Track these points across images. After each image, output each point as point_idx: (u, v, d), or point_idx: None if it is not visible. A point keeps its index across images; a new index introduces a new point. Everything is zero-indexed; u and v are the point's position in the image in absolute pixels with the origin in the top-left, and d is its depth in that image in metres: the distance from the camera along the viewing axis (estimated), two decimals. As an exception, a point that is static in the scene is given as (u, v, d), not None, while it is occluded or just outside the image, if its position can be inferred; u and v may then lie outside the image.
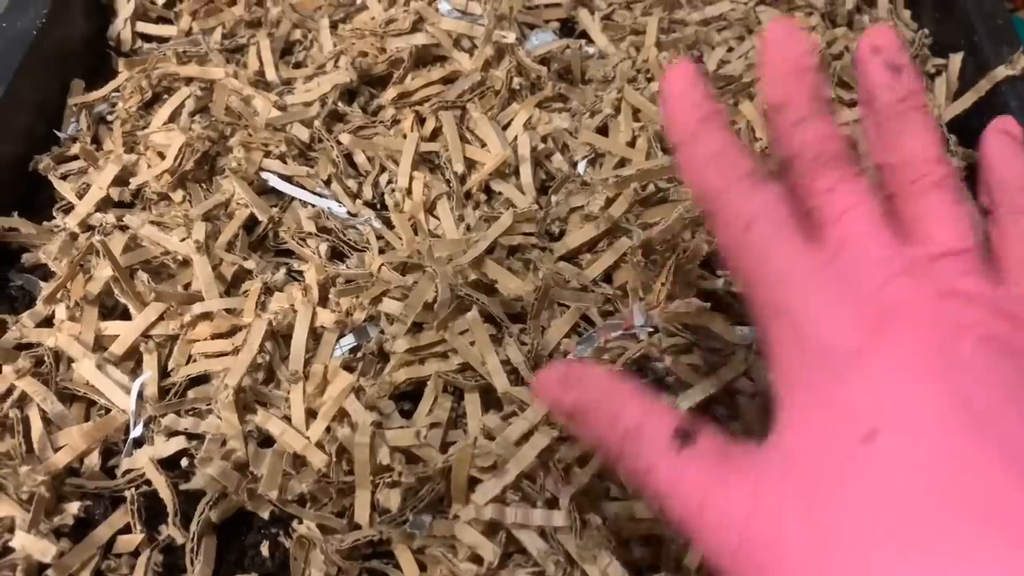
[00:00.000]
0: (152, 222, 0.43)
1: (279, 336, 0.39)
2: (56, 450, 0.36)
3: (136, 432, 0.36)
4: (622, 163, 0.45)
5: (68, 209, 0.44)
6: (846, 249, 0.25)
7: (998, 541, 0.19)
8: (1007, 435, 0.21)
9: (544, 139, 0.46)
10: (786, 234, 0.25)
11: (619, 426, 0.25)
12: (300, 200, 0.44)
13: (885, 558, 0.19)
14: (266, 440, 0.36)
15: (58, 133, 0.48)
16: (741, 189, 0.26)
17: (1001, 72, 0.46)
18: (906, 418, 0.21)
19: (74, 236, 0.42)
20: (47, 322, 0.40)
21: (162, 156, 0.45)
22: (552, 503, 0.33)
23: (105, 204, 0.44)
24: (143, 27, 0.53)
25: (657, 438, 0.25)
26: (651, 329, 0.38)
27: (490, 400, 0.37)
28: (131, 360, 0.39)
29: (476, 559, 0.33)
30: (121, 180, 0.45)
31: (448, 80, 0.49)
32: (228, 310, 0.39)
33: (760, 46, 0.29)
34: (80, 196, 0.44)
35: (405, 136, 0.46)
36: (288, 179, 0.45)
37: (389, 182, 0.45)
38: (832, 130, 0.27)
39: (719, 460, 0.24)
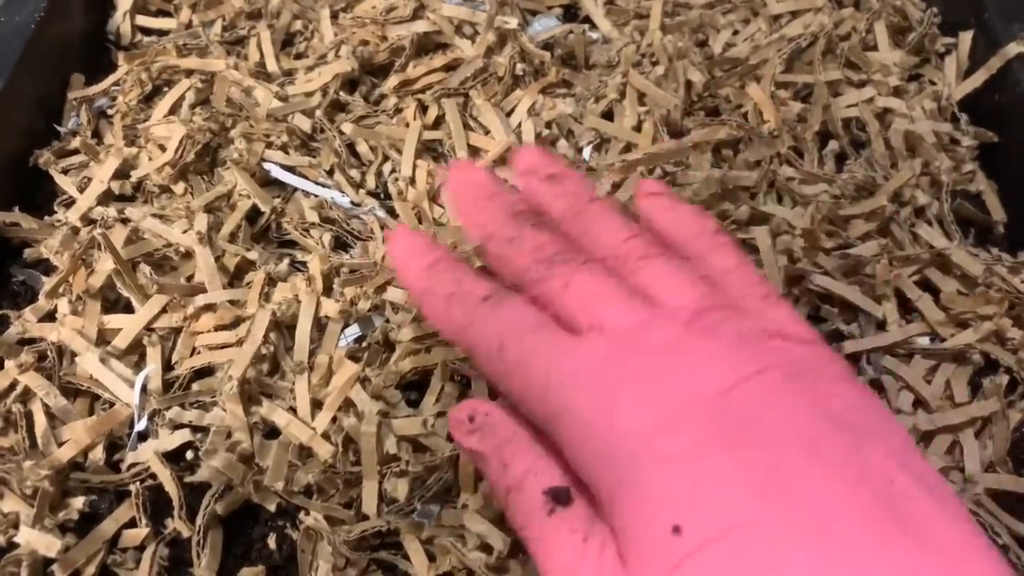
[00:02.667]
0: (154, 215, 0.42)
1: (283, 327, 0.38)
2: (60, 445, 0.36)
3: (140, 426, 0.36)
4: (628, 148, 0.44)
5: (69, 203, 0.44)
6: (604, 330, 0.25)
7: None
8: (801, 500, 0.21)
9: (548, 125, 0.46)
10: (539, 340, 0.25)
11: (506, 478, 0.25)
12: (303, 191, 0.44)
13: None
14: (272, 432, 0.36)
15: (58, 127, 0.48)
16: (482, 314, 0.26)
17: (1012, 49, 0.45)
18: (707, 503, 0.21)
19: (75, 230, 0.42)
20: (50, 317, 0.40)
21: (163, 148, 0.45)
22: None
23: (106, 197, 0.44)
24: (142, 20, 0.53)
25: (532, 497, 0.24)
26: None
27: (493, 389, 0.37)
28: (134, 353, 0.39)
29: (485, 548, 0.32)
30: (122, 173, 0.44)
31: (450, 67, 0.48)
32: (231, 301, 0.39)
33: (448, 194, 0.30)
34: (81, 190, 0.44)
35: (408, 125, 0.45)
36: (290, 170, 0.44)
37: (392, 171, 0.45)
38: (544, 236, 0.27)
39: (581, 533, 0.23)
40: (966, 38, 0.48)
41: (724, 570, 0.20)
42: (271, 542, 0.34)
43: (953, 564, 0.20)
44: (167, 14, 0.54)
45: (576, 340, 0.25)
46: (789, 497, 0.21)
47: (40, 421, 0.36)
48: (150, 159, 0.45)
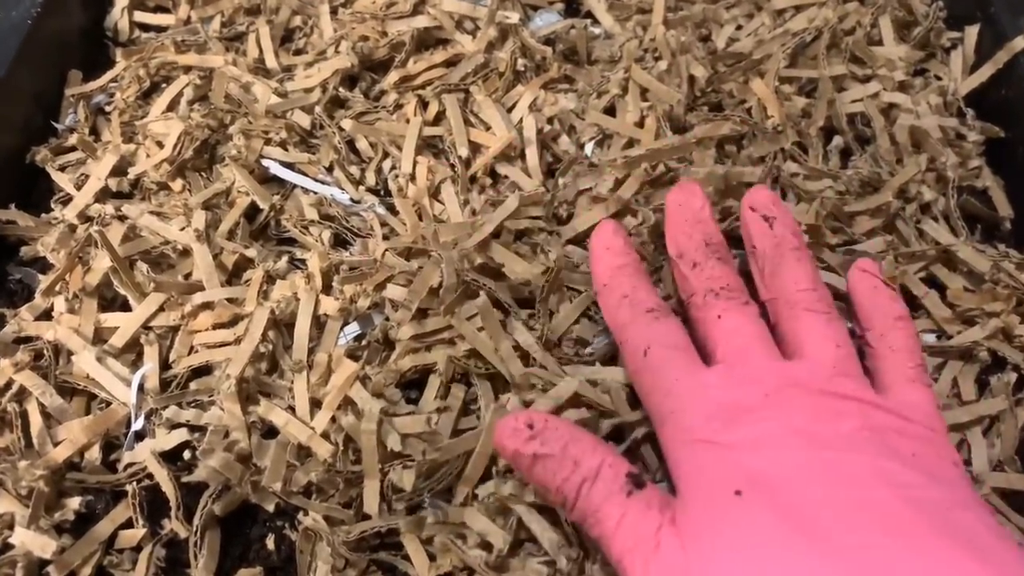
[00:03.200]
0: (151, 212, 0.42)
1: (282, 325, 0.38)
2: (56, 444, 0.35)
3: (137, 425, 0.36)
4: (630, 144, 0.44)
5: (66, 200, 0.43)
6: (733, 364, 0.31)
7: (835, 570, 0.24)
8: (856, 491, 0.26)
9: (550, 121, 0.45)
10: (678, 357, 0.31)
11: (580, 472, 0.29)
12: (302, 187, 0.43)
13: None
14: (270, 431, 0.36)
15: (55, 124, 0.47)
16: (643, 321, 0.33)
17: (1019, 43, 0.44)
18: (766, 477, 0.26)
19: (72, 228, 0.42)
20: (46, 315, 0.39)
21: (161, 145, 0.44)
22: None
23: (103, 195, 0.43)
24: (140, 16, 0.53)
25: (612, 482, 0.29)
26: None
27: (497, 386, 0.36)
28: (131, 352, 0.38)
29: (486, 546, 0.32)
30: (119, 170, 0.44)
31: (451, 63, 0.48)
32: (230, 299, 0.38)
33: (666, 204, 0.37)
34: (78, 187, 0.44)
35: (408, 121, 0.45)
36: (289, 166, 0.44)
37: (392, 168, 0.44)
38: (723, 271, 0.34)
39: (657, 507, 0.28)
40: (972, 32, 0.48)
41: (779, 525, 0.25)
42: (269, 543, 0.34)
43: (1001, 570, 0.23)
44: (165, 10, 0.53)
45: (705, 369, 0.31)
46: (848, 492, 0.26)
47: (36, 420, 0.36)
48: (148, 156, 0.44)
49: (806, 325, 0.32)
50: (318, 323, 0.38)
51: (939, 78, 0.47)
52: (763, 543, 0.25)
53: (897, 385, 0.31)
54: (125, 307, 0.39)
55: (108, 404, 0.36)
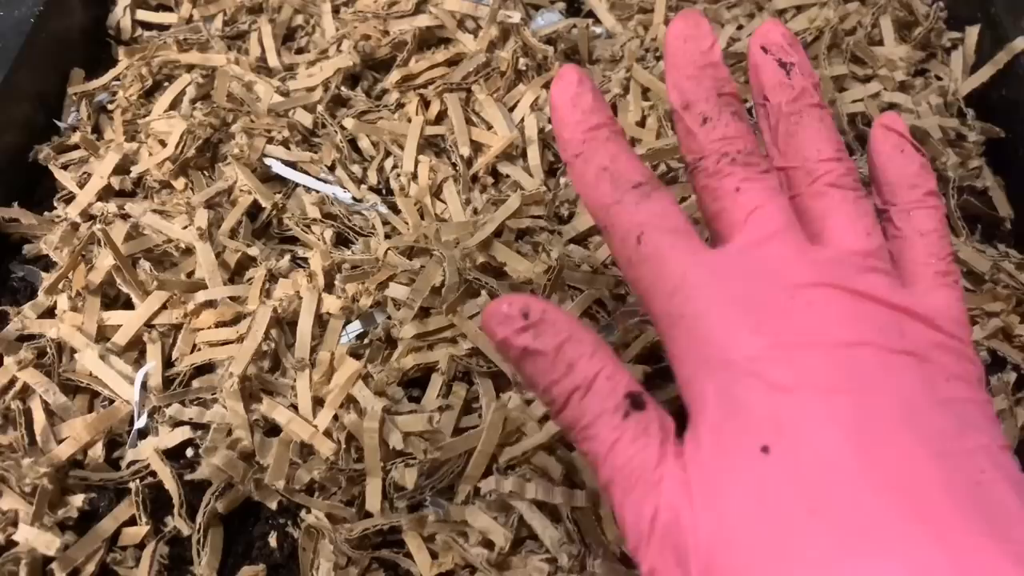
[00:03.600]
0: (154, 210, 0.42)
1: (284, 323, 0.38)
2: (59, 442, 0.35)
3: (140, 423, 0.36)
4: (632, 143, 0.44)
5: (69, 199, 0.44)
6: (753, 251, 0.25)
7: (868, 564, 0.20)
8: (893, 459, 0.22)
9: (551, 120, 0.45)
10: (680, 242, 0.25)
11: (572, 378, 0.24)
12: (304, 186, 0.43)
13: (765, 564, 0.21)
14: (272, 429, 0.36)
15: (58, 123, 0.47)
16: (631, 199, 0.26)
17: (1020, 44, 0.44)
18: (799, 435, 0.22)
19: (75, 226, 0.42)
20: (49, 313, 0.39)
21: (163, 144, 0.44)
22: (575, 486, 0.33)
23: (106, 193, 0.44)
24: (143, 15, 0.53)
25: (606, 398, 0.24)
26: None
27: (499, 385, 0.36)
28: (134, 350, 0.38)
29: (487, 544, 0.32)
30: (122, 169, 0.44)
31: (453, 62, 0.48)
32: (232, 298, 0.39)
33: (665, 41, 0.29)
34: (81, 185, 0.44)
35: (410, 120, 0.45)
36: (292, 165, 0.44)
37: (394, 167, 0.44)
38: (739, 128, 0.27)
39: (658, 436, 0.24)
40: (973, 33, 0.48)
41: (802, 502, 0.21)
42: (272, 540, 0.34)
43: None
44: (168, 9, 0.53)
45: (718, 252, 0.25)
46: (881, 458, 0.22)
47: (39, 418, 0.36)
48: (150, 154, 0.44)
49: (832, 204, 0.27)
50: (320, 322, 0.38)
51: (939, 78, 0.48)
52: (785, 525, 0.21)
53: (926, 280, 0.27)
54: (128, 305, 0.39)
55: (111, 402, 0.37)
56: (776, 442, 0.22)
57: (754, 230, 0.25)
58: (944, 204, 0.28)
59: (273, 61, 0.49)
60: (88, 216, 0.43)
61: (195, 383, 0.37)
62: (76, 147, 0.46)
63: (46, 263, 0.42)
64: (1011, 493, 0.22)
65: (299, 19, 0.51)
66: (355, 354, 0.37)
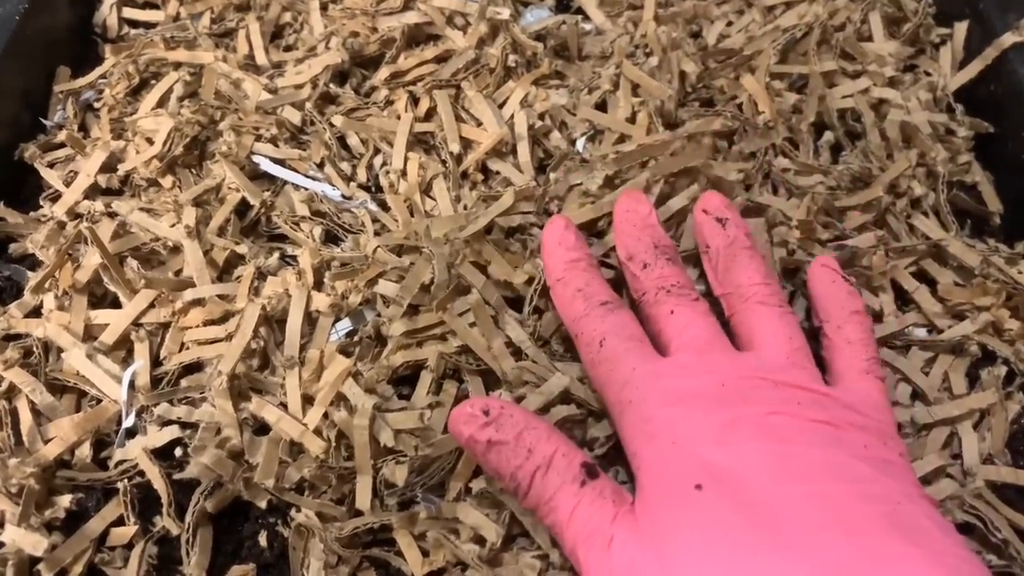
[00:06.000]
0: (141, 208, 0.41)
1: (273, 321, 0.38)
2: (46, 442, 0.35)
3: (128, 422, 0.36)
4: (622, 139, 0.44)
5: (55, 197, 0.43)
6: (688, 355, 0.31)
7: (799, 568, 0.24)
8: (813, 483, 0.26)
9: (541, 117, 0.45)
10: (632, 347, 0.32)
11: (533, 460, 0.29)
12: (293, 184, 0.43)
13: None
14: (262, 428, 0.35)
15: (44, 121, 0.47)
16: (598, 314, 0.33)
17: (1008, 39, 0.45)
18: (728, 473, 0.27)
19: (62, 224, 0.42)
20: (35, 312, 0.39)
21: (150, 142, 0.44)
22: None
23: (93, 191, 0.43)
24: (129, 12, 0.52)
25: (564, 471, 0.29)
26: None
27: (488, 382, 0.36)
28: (122, 349, 0.38)
29: (479, 541, 0.32)
30: (109, 167, 0.44)
31: (442, 59, 0.48)
32: (221, 296, 0.38)
33: (613, 212, 0.37)
34: (67, 184, 0.43)
35: (399, 117, 0.45)
36: (280, 163, 0.44)
37: (383, 164, 0.44)
38: (673, 270, 0.34)
39: (611, 498, 0.28)
40: (961, 28, 0.48)
41: (729, 520, 0.25)
42: (262, 539, 0.34)
43: (941, 560, 0.24)
44: (154, 6, 0.53)
45: (661, 359, 0.31)
46: (801, 481, 0.26)
47: (26, 418, 0.35)
48: (137, 152, 0.44)
49: (760, 318, 0.33)
50: (310, 319, 0.38)
51: (929, 74, 0.48)
52: (721, 540, 0.25)
53: (851, 376, 0.32)
54: (115, 304, 0.39)
55: (99, 401, 0.36)
56: (707, 481, 0.26)
57: (687, 343, 0.32)
58: (871, 320, 0.35)
59: (261, 58, 0.48)
60: (75, 215, 0.42)
61: (183, 382, 0.37)
62: (62, 145, 0.46)
63: (32, 262, 0.41)
64: (927, 519, 0.26)
65: (287, 16, 0.51)
66: (345, 352, 0.36)
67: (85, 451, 0.35)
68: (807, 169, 0.42)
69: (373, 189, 0.44)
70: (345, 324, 0.38)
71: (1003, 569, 0.32)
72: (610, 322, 0.32)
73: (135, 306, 0.38)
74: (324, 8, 0.51)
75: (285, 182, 0.43)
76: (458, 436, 0.30)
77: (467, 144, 0.44)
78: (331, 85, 0.47)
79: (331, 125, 0.45)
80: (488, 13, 0.47)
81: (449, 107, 0.45)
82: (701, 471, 0.27)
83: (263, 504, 0.34)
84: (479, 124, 0.45)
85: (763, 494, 0.26)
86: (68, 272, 0.39)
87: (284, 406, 0.35)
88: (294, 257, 0.40)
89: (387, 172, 0.43)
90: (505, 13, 0.47)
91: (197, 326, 0.38)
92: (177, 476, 0.34)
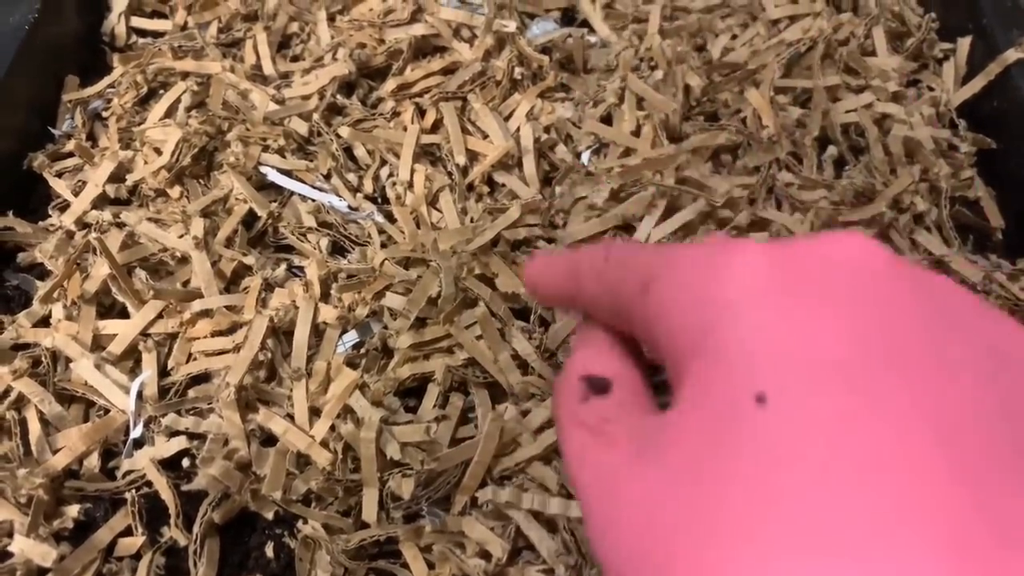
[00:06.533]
0: (149, 219, 0.42)
1: (281, 333, 0.38)
2: (55, 452, 0.35)
3: (136, 432, 0.36)
4: (627, 152, 0.44)
5: (64, 207, 0.43)
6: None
7: (919, 544, 0.15)
8: (917, 387, 0.17)
9: (547, 129, 0.45)
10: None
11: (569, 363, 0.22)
12: (300, 195, 0.43)
13: (773, 553, 0.15)
14: (269, 439, 0.36)
15: (52, 130, 0.47)
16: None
17: (1011, 55, 0.45)
18: (801, 374, 0.17)
19: (70, 234, 0.42)
20: (44, 322, 0.39)
21: (159, 152, 0.44)
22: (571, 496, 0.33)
23: (101, 201, 0.43)
24: (137, 22, 0.53)
25: (569, 383, 0.22)
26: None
27: (495, 395, 0.36)
28: (130, 359, 0.38)
29: (485, 555, 0.32)
30: (117, 177, 0.44)
31: (448, 71, 0.48)
32: (228, 307, 0.39)
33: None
34: (76, 193, 0.44)
35: (405, 128, 0.45)
36: (287, 173, 0.44)
37: (390, 175, 0.44)
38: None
39: (625, 418, 0.21)
40: (964, 44, 0.48)
41: (804, 449, 0.16)
42: (269, 551, 0.34)
43: None
44: (162, 15, 0.53)
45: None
46: (900, 404, 0.17)
47: (34, 428, 0.36)
48: (146, 162, 0.44)
49: None
50: (317, 331, 0.38)
51: (932, 89, 0.48)
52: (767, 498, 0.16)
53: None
54: (123, 314, 0.39)
55: (107, 411, 0.37)
56: (771, 390, 0.17)
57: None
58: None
59: (268, 69, 0.49)
60: (83, 224, 0.43)
61: (191, 393, 0.37)
62: (71, 155, 0.46)
63: (41, 271, 0.41)
64: None
65: (294, 27, 0.51)
66: (351, 364, 0.37)
67: (93, 461, 0.35)
68: (811, 184, 0.43)
69: (379, 200, 0.44)
70: (352, 336, 0.38)
71: None
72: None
73: (143, 316, 0.38)
74: (331, 19, 0.51)
75: (292, 193, 0.44)
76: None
77: (473, 156, 0.45)
78: (338, 96, 0.47)
79: (338, 136, 0.45)
80: (495, 26, 0.47)
81: (455, 119, 0.45)
82: (766, 370, 0.17)
83: (270, 515, 0.34)
84: (485, 136, 0.45)
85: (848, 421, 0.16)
86: (77, 282, 0.39)
87: (291, 418, 0.36)
88: (301, 268, 0.41)
89: (393, 184, 0.43)
90: (511, 26, 0.47)
91: (205, 337, 0.38)
92: (185, 487, 0.34)
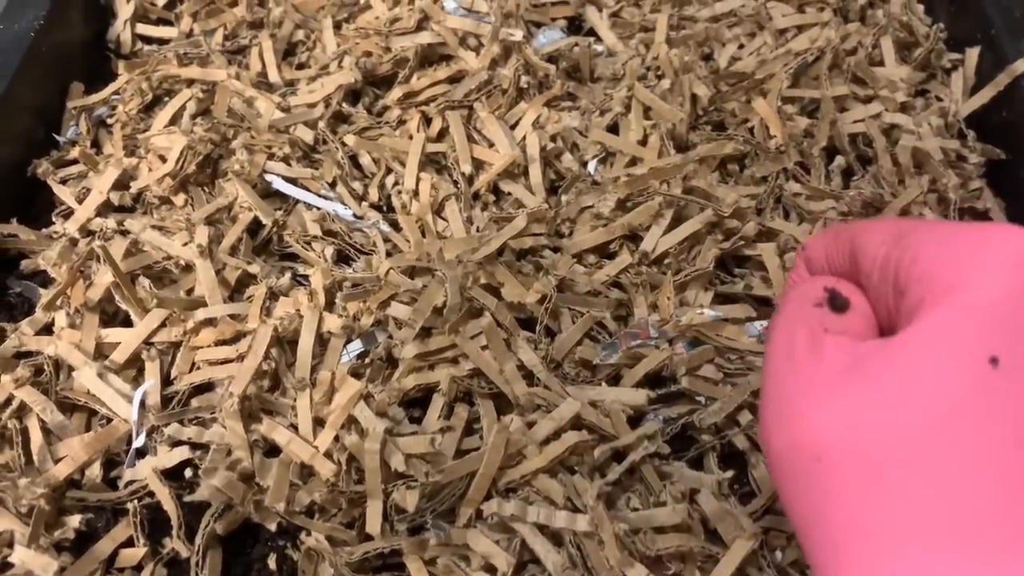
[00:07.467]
0: (153, 226, 0.42)
1: (285, 342, 0.38)
2: (56, 461, 0.35)
3: (138, 442, 0.36)
4: (633, 162, 0.44)
5: (68, 214, 0.43)
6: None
7: None
8: None
9: (553, 138, 0.45)
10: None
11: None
12: (305, 203, 0.43)
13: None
14: (272, 450, 0.35)
15: (57, 137, 0.47)
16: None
17: (1020, 66, 0.45)
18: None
19: (74, 242, 0.42)
20: (47, 330, 0.39)
21: (163, 159, 0.44)
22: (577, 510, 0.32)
23: (105, 209, 0.43)
24: (143, 29, 0.53)
25: (814, 286, 0.24)
26: (668, 340, 0.37)
27: (500, 406, 0.36)
28: (133, 368, 0.38)
29: (490, 569, 0.32)
30: (121, 184, 0.44)
31: (454, 79, 0.48)
32: (232, 316, 0.38)
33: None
34: (80, 201, 0.43)
35: (411, 137, 0.45)
36: (292, 181, 0.44)
37: (395, 184, 0.44)
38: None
39: (844, 336, 0.22)
40: (973, 54, 0.48)
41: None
42: (271, 562, 0.34)
43: None
44: (168, 23, 0.53)
45: None
46: None
47: (36, 437, 0.35)
48: (150, 170, 0.44)
49: None
50: (321, 340, 0.38)
51: (940, 99, 0.48)
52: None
53: None
54: (127, 322, 0.39)
55: (109, 420, 0.36)
56: (1008, 355, 0.18)
57: None
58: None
59: (274, 76, 0.49)
60: (87, 232, 0.42)
61: (194, 402, 0.37)
62: (75, 162, 0.46)
63: (44, 279, 0.41)
64: None
65: (300, 34, 0.51)
66: (356, 374, 0.36)
67: (95, 471, 0.35)
68: (818, 194, 0.42)
69: (385, 209, 0.44)
70: (356, 346, 0.38)
71: None
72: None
73: (146, 325, 0.38)
74: (337, 27, 0.51)
75: (297, 201, 0.43)
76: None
77: (479, 165, 0.44)
78: (344, 104, 0.47)
79: (343, 144, 0.45)
80: (501, 34, 0.47)
81: (461, 128, 0.45)
82: (1002, 337, 0.19)
83: (273, 527, 0.34)
84: (491, 145, 0.45)
85: None
86: (80, 290, 0.39)
87: (295, 428, 0.35)
88: (306, 277, 0.40)
89: (399, 192, 0.43)
90: (518, 34, 0.47)
91: (208, 346, 0.38)
92: (187, 497, 0.34)
